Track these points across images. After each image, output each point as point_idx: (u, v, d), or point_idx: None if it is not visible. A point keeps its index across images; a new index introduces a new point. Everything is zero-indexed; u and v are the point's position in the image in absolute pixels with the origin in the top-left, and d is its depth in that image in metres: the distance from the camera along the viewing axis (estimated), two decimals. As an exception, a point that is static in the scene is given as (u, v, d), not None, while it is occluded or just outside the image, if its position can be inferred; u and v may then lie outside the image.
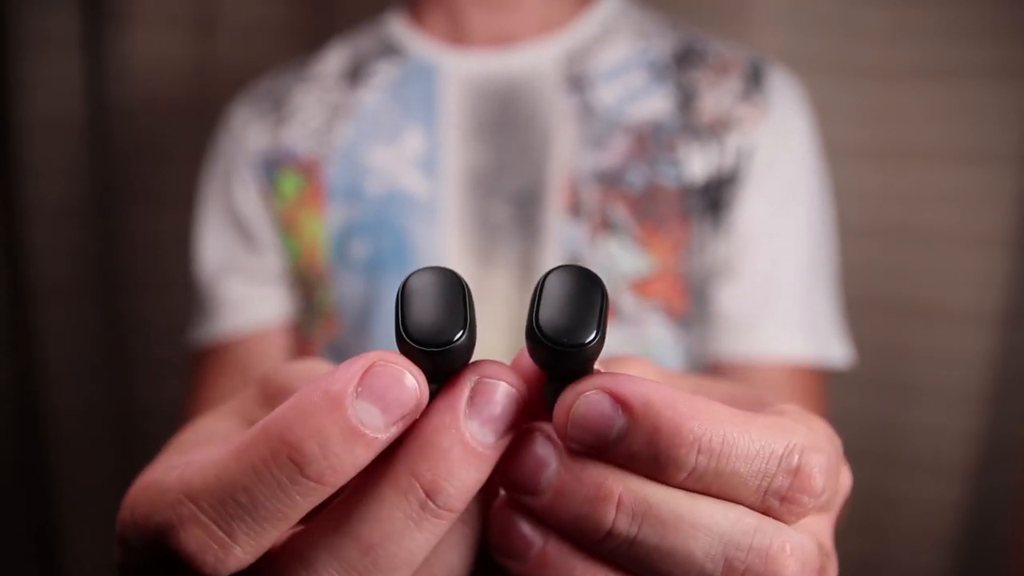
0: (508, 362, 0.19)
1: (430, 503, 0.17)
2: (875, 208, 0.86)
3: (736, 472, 0.18)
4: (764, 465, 0.18)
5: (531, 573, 0.19)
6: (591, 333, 0.17)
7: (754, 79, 0.57)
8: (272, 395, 0.22)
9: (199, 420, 0.24)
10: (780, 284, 0.56)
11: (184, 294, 0.74)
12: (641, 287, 0.54)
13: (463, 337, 0.17)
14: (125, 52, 0.91)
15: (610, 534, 0.18)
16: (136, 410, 0.98)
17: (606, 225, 0.54)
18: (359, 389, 0.17)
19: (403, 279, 0.18)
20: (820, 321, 0.57)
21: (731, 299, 0.56)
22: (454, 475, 0.17)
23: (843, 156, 0.82)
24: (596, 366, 0.19)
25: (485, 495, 0.20)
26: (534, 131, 0.56)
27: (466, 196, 0.56)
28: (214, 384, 0.60)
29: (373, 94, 0.59)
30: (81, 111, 0.91)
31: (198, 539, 0.17)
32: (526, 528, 0.19)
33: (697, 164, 0.55)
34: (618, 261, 0.54)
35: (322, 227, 0.58)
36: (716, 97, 0.56)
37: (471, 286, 0.24)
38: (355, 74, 0.60)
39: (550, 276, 0.18)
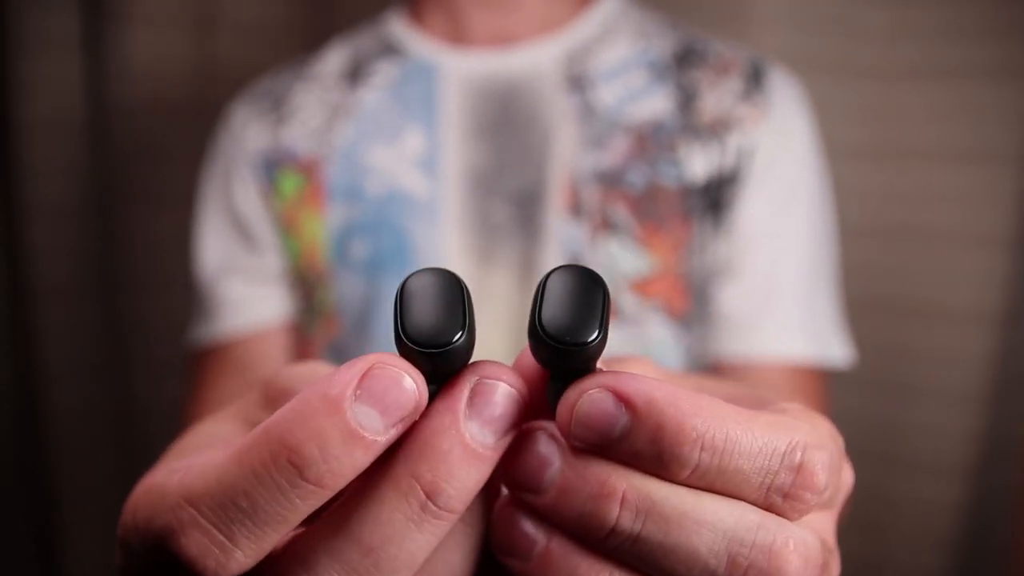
0: (509, 363, 0.19)
1: (430, 504, 0.17)
2: (875, 208, 0.86)
3: (739, 469, 0.18)
4: (767, 462, 0.18)
5: (534, 572, 0.19)
6: (594, 332, 0.17)
7: (754, 79, 0.57)
8: (274, 398, 0.22)
9: (201, 424, 0.24)
10: (780, 284, 0.56)
11: (184, 294, 0.74)
12: (642, 287, 0.54)
13: (462, 338, 0.17)
14: (125, 52, 0.91)
15: (614, 531, 0.18)
16: (136, 410, 0.98)
17: (607, 225, 0.54)
18: (358, 392, 0.17)
19: (402, 280, 0.18)
20: (820, 321, 0.57)
21: (732, 299, 0.56)
22: (454, 476, 0.17)
23: (843, 156, 0.82)
24: (598, 365, 0.19)
25: (487, 495, 0.20)
26: (534, 131, 0.56)
27: (466, 196, 0.56)
28: (214, 384, 0.60)
29: (373, 94, 0.59)
30: (81, 111, 0.90)
31: (199, 543, 0.17)
32: (529, 527, 0.19)
33: (698, 164, 0.55)
34: (619, 261, 0.54)
35: (322, 227, 0.58)
36: (717, 97, 0.56)
37: (471, 286, 0.24)
38: (355, 74, 0.60)
39: (552, 276, 0.18)
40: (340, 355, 0.59)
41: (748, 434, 0.18)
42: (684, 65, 0.58)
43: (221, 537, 0.17)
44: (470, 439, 0.17)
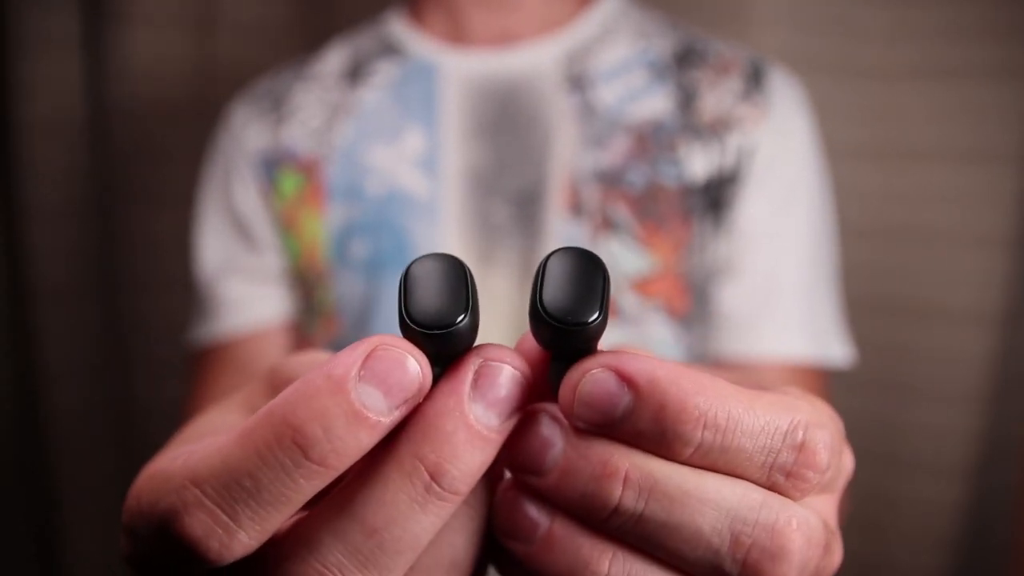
0: None
1: (435, 486, 0.17)
2: (875, 208, 0.86)
3: (742, 448, 0.18)
4: (769, 441, 0.18)
5: (537, 554, 0.19)
6: (594, 312, 0.17)
7: (755, 79, 0.57)
8: (278, 386, 0.22)
9: (207, 412, 0.24)
10: (781, 284, 0.56)
11: (184, 294, 0.74)
12: (642, 287, 0.54)
13: (465, 320, 0.17)
14: (125, 52, 0.91)
15: (617, 511, 0.18)
16: (136, 410, 0.98)
17: (607, 225, 0.54)
18: (362, 372, 0.17)
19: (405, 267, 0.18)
20: (820, 321, 0.57)
21: (732, 299, 0.56)
22: (459, 458, 0.17)
23: (843, 156, 0.82)
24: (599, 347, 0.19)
25: (490, 478, 0.20)
26: (534, 131, 0.56)
27: (466, 196, 0.56)
28: (214, 384, 0.60)
29: (373, 93, 0.59)
30: (81, 111, 0.90)
31: (203, 524, 0.17)
32: (532, 509, 0.19)
33: (698, 164, 0.55)
34: (619, 261, 0.54)
35: (322, 227, 0.58)
36: (717, 97, 0.56)
37: None
38: (355, 73, 0.60)
39: (552, 257, 0.18)
40: (340, 355, 0.59)
41: (750, 413, 0.18)
42: (684, 65, 0.58)
43: (225, 518, 0.17)
44: (474, 420, 0.17)
